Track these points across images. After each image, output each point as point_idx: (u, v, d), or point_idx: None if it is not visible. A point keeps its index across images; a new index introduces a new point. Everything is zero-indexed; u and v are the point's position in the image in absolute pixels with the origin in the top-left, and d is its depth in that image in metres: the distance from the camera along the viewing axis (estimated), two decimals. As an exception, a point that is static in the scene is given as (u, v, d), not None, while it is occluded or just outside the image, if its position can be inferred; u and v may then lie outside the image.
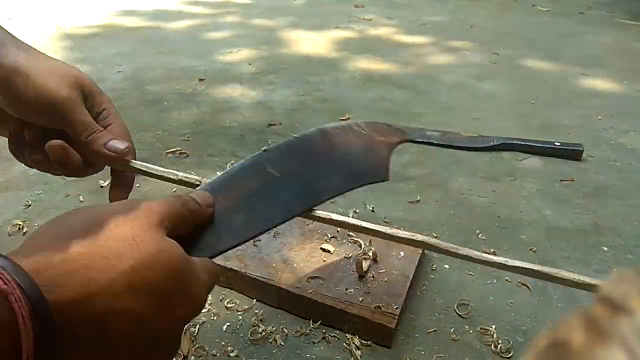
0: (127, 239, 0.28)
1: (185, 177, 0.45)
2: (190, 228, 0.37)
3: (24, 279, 0.24)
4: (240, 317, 0.59)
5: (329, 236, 0.67)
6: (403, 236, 0.44)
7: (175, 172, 0.46)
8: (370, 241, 0.65)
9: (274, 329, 0.57)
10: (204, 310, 0.59)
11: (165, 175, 0.46)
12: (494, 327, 0.58)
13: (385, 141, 0.53)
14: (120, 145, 0.43)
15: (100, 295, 0.26)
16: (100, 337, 0.26)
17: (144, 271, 0.28)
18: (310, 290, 0.58)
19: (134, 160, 0.46)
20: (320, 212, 0.45)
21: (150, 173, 0.46)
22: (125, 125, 0.46)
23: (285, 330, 0.57)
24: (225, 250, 0.39)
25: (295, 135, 0.49)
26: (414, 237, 0.44)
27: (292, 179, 0.45)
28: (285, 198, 0.43)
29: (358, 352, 0.54)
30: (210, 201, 0.39)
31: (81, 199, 0.80)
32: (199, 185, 0.44)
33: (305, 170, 0.46)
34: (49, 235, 0.28)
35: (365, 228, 0.45)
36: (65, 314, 0.24)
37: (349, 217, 0.71)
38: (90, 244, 0.27)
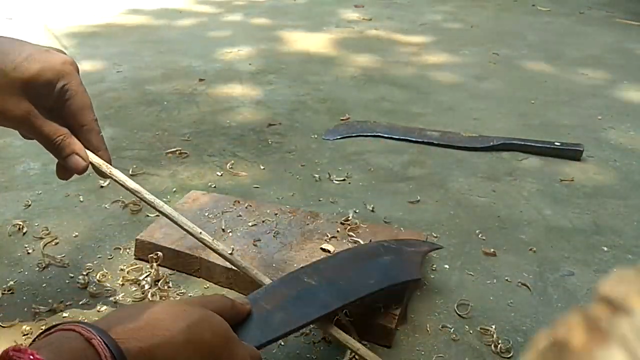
0: (180, 310, 0.35)
1: (150, 197, 0.51)
2: (231, 322, 0.41)
3: (103, 333, 0.30)
4: (240, 317, 0.59)
5: (329, 236, 0.67)
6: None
7: (143, 191, 0.51)
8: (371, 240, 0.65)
9: (274, 329, 0.57)
10: (204, 310, 0.59)
11: (135, 190, 0.50)
12: (494, 327, 0.58)
13: (415, 251, 0.59)
14: (80, 163, 0.47)
15: (163, 346, 0.31)
16: None
17: (196, 329, 0.34)
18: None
19: (114, 170, 0.50)
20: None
21: (125, 185, 0.50)
22: (87, 99, 0.47)
23: (285, 330, 0.57)
24: (267, 343, 0.44)
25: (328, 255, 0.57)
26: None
27: (327, 285, 0.50)
28: (321, 298, 0.49)
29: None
30: (247, 301, 0.46)
31: (81, 199, 0.80)
32: (160, 205, 0.51)
33: (339, 278, 0.52)
34: (119, 311, 0.35)
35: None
36: None
37: (349, 216, 0.72)
38: (152, 312, 0.34)
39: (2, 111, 0.42)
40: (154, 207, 0.50)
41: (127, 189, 0.50)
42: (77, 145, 0.46)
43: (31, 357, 0.27)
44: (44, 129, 0.44)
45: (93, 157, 0.49)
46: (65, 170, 0.50)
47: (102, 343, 0.29)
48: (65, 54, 0.48)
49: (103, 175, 0.50)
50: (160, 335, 0.32)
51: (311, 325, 0.50)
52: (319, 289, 0.50)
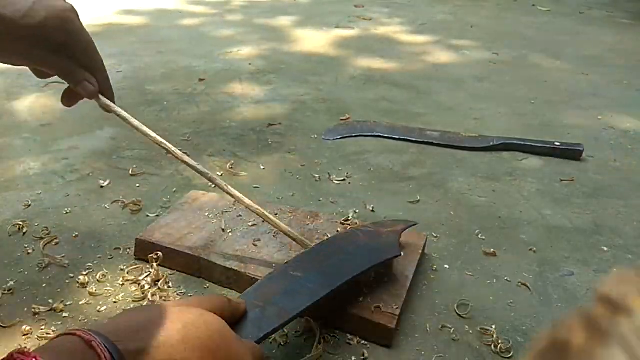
0: (175, 311, 0.36)
1: (154, 136, 0.58)
2: (228, 320, 0.42)
3: (101, 335, 0.31)
4: (240, 317, 0.59)
5: (329, 236, 0.67)
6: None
7: (149, 131, 0.58)
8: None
9: (274, 329, 0.57)
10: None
11: (135, 125, 0.58)
12: (494, 327, 0.58)
13: (391, 230, 0.62)
14: (90, 88, 0.53)
15: (161, 347, 0.32)
16: None
17: (192, 329, 0.35)
18: (310, 290, 0.58)
19: (115, 107, 0.57)
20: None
21: (119, 114, 0.57)
22: (91, 41, 0.53)
23: (285, 330, 0.57)
24: (264, 338, 0.46)
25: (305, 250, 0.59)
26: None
27: (312, 275, 0.53)
28: (309, 288, 0.51)
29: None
30: (242, 300, 0.48)
31: (81, 199, 0.80)
32: (164, 144, 0.59)
33: (323, 266, 0.54)
34: (116, 317, 0.35)
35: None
36: None
37: (349, 216, 0.72)
38: (148, 315, 0.35)
39: (19, 52, 0.46)
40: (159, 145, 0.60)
41: (131, 124, 0.58)
42: (86, 73, 0.52)
43: (34, 359, 0.28)
44: (57, 63, 0.49)
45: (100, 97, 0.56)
46: (71, 97, 0.55)
47: (102, 345, 0.30)
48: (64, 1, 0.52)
49: (107, 110, 0.56)
50: (156, 336, 0.33)
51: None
52: (305, 280, 0.52)
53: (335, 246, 0.58)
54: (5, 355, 0.28)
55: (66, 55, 0.50)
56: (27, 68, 0.52)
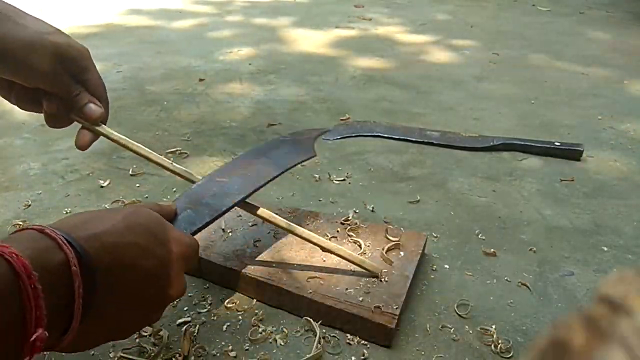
0: (114, 209, 0.41)
1: (152, 153, 0.56)
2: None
3: (53, 226, 0.35)
4: (240, 317, 0.59)
5: (329, 236, 0.67)
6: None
7: (140, 145, 0.55)
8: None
9: (274, 329, 0.57)
10: (203, 310, 0.59)
11: (133, 147, 0.55)
12: (494, 327, 0.58)
13: (306, 137, 0.69)
14: (97, 109, 0.52)
15: (108, 233, 0.36)
16: (117, 266, 0.36)
17: (133, 217, 0.39)
18: (310, 290, 0.58)
19: (104, 126, 0.54)
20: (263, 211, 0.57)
21: (117, 141, 0.54)
22: (102, 81, 0.53)
23: (285, 330, 0.57)
24: (197, 231, 0.50)
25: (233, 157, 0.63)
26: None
27: (238, 178, 0.57)
28: (236, 189, 0.56)
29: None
30: (172, 203, 0.52)
31: (81, 199, 0.80)
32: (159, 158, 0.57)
33: (247, 171, 0.59)
34: (64, 218, 0.38)
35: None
36: (86, 246, 0.34)
37: (349, 216, 0.72)
38: (91, 213, 0.39)
39: (35, 65, 0.46)
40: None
41: (133, 151, 0.56)
42: (91, 97, 0.52)
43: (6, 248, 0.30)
44: (64, 84, 0.49)
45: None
46: (57, 120, 0.53)
47: (55, 231, 0.33)
48: None
49: (106, 137, 0.55)
50: (103, 225, 0.37)
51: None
52: (232, 183, 0.56)
53: (255, 154, 0.63)
54: None
55: (74, 78, 0.50)
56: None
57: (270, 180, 0.58)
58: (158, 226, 0.41)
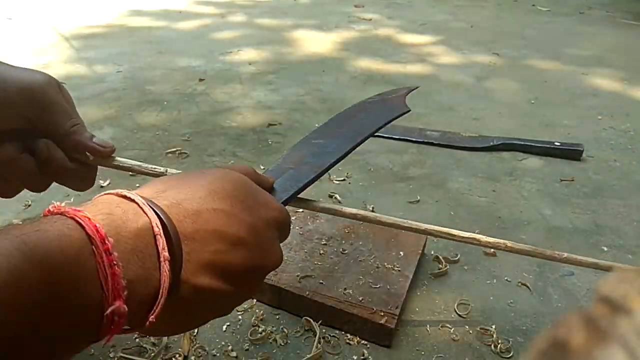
0: (197, 172, 0.37)
1: (168, 170, 0.48)
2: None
3: (132, 193, 0.31)
4: (240, 317, 0.59)
5: (329, 236, 0.67)
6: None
7: (157, 166, 0.48)
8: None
9: (274, 329, 0.57)
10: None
11: (147, 170, 0.47)
12: (494, 327, 0.58)
13: (395, 96, 0.65)
14: (106, 142, 0.45)
15: (189, 200, 0.33)
16: (201, 233, 0.32)
17: (218, 182, 0.35)
18: (310, 290, 0.58)
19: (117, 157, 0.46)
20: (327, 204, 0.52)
21: (132, 168, 0.47)
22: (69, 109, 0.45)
23: (285, 330, 0.57)
24: (302, 188, 0.48)
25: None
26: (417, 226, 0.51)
27: (334, 139, 0.55)
28: (335, 147, 0.53)
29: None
30: (271, 176, 0.48)
31: (81, 200, 0.80)
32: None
33: (342, 131, 0.57)
34: (143, 186, 0.35)
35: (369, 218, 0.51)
36: (167, 212, 0.31)
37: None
38: (170, 179, 0.36)
39: (25, 80, 0.42)
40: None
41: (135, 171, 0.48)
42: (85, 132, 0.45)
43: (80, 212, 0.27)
44: (64, 104, 0.44)
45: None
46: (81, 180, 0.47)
47: (138, 196, 0.31)
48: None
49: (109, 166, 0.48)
50: (184, 192, 0.33)
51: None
52: (329, 143, 0.55)
53: (347, 116, 0.62)
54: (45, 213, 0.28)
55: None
56: None
57: (369, 137, 0.55)
58: (246, 191, 0.37)
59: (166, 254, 0.29)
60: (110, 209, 0.29)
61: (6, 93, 0.41)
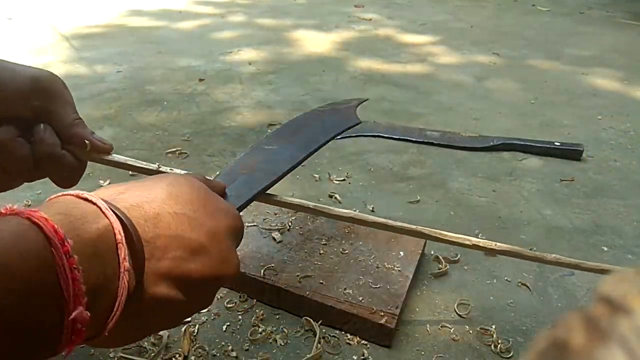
0: (156, 177, 0.37)
1: (162, 167, 0.49)
2: None
3: (92, 196, 0.30)
4: (240, 317, 0.59)
5: (329, 236, 0.67)
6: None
7: (149, 164, 0.49)
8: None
9: (274, 329, 0.57)
10: (204, 310, 0.59)
11: (139, 166, 0.48)
12: (494, 327, 0.58)
13: (347, 106, 0.67)
14: (106, 140, 0.47)
15: (149, 202, 0.32)
16: (162, 238, 0.31)
17: (177, 186, 0.35)
18: (310, 290, 0.58)
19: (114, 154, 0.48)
20: (290, 199, 0.51)
21: (123, 165, 0.49)
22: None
23: (285, 330, 0.57)
24: (255, 196, 0.47)
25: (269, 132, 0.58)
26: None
27: (287, 146, 0.55)
28: (287, 155, 0.53)
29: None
30: (221, 181, 0.46)
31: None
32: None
33: (295, 139, 0.57)
34: (99, 189, 0.34)
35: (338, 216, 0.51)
36: (129, 216, 0.30)
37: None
38: (130, 183, 0.35)
39: (31, 71, 0.42)
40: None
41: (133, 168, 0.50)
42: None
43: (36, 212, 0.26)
44: (69, 97, 0.45)
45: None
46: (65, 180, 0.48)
47: (94, 197, 0.30)
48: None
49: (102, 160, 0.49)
50: (144, 195, 0.33)
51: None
52: (282, 149, 0.55)
53: (300, 124, 0.62)
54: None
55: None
56: None
57: (321, 147, 0.56)
58: (206, 196, 0.36)
59: (127, 264, 0.28)
60: (69, 211, 0.27)
61: (15, 81, 0.42)
